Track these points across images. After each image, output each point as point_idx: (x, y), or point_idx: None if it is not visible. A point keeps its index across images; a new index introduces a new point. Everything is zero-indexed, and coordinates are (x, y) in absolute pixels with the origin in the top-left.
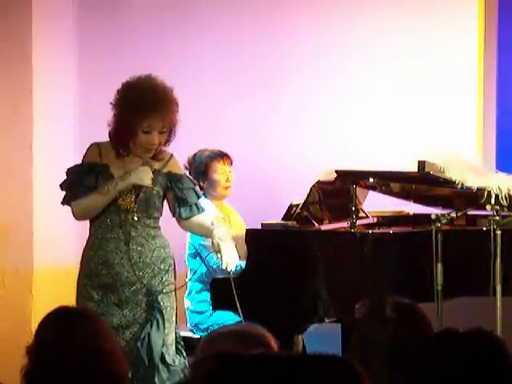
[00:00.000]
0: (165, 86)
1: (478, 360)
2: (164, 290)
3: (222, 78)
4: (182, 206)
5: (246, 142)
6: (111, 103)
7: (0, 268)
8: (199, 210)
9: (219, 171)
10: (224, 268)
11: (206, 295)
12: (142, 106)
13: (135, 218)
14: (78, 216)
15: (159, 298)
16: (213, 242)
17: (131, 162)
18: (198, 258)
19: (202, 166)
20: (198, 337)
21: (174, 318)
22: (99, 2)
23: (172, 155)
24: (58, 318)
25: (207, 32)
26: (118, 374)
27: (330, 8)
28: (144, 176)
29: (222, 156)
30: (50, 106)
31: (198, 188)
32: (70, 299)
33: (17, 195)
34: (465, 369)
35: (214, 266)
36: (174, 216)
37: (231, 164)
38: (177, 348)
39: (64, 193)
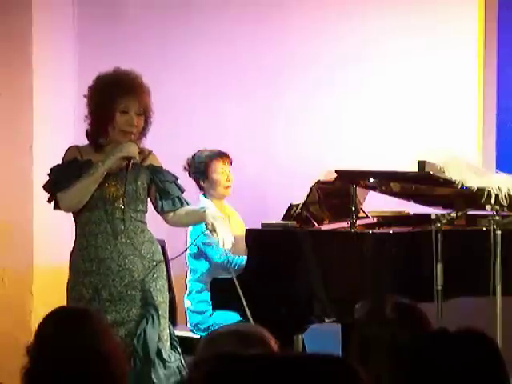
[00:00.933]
0: (135, 73)
1: (469, 360)
2: (157, 286)
3: (222, 79)
4: (164, 198)
5: (246, 142)
6: (85, 96)
7: (0, 268)
8: (182, 203)
9: (219, 171)
10: (221, 246)
11: (206, 295)
12: (118, 88)
13: (121, 206)
14: (67, 205)
15: (153, 294)
16: (206, 223)
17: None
18: (199, 258)
19: (202, 166)
20: (198, 337)
21: (167, 314)
22: (99, 4)
23: (151, 152)
24: (58, 318)
25: (208, 33)
26: (117, 373)
27: (331, 8)
28: (131, 149)
29: (222, 156)
30: (50, 108)
31: (179, 182)
32: None
33: (17, 195)
34: (456, 369)
35: (219, 261)
36: (156, 210)
37: (231, 163)
38: (172, 344)
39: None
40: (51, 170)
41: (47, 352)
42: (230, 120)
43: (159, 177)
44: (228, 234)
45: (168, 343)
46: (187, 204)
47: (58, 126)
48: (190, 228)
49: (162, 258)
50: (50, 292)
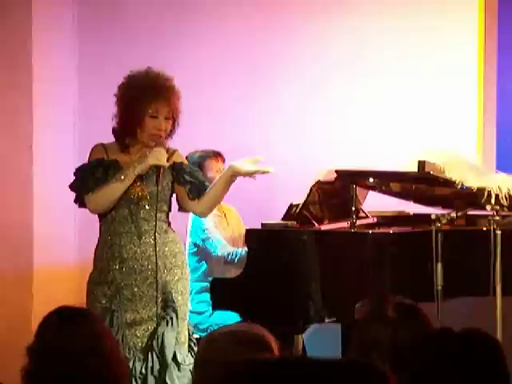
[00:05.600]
0: (167, 75)
1: (473, 361)
2: (179, 288)
3: (223, 78)
4: (196, 185)
5: (246, 142)
6: (115, 95)
7: (0, 268)
8: (207, 188)
9: (213, 169)
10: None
11: (206, 296)
12: (149, 92)
13: (146, 206)
14: (96, 208)
15: (173, 296)
16: (237, 172)
17: (137, 155)
18: (198, 256)
19: (196, 166)
20: (198, 337)
21: (187, 316)
22: (99, 3)
23: (176, 150)
24: (58, 318)
25: (208, 33)
26: (117, 374)
27: (332, 9)
28: (161, 156)
29: (215, 154)
30: (50, 107)
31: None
32: (69, 299)
33: (17, 195)
34: (459, 369)
35: (219, 254)
36: (185, 202)
37: (224, 162)
38: (189, 345)
39: (75, 195)
40: (77, 169)
41: (47, 352)
42: (230, 119)
43: (185, 169)
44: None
45: (186, 345)
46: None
47: (58, 125)
48: (190, 227)
49: (185, 258)
50: (50, 292)
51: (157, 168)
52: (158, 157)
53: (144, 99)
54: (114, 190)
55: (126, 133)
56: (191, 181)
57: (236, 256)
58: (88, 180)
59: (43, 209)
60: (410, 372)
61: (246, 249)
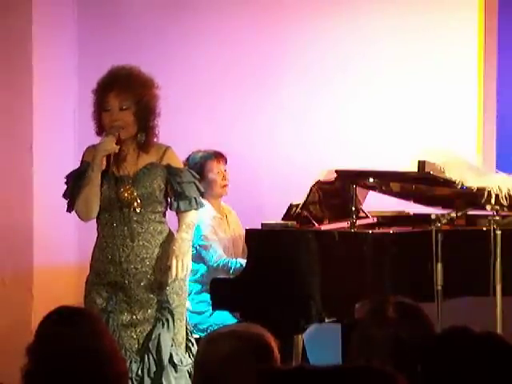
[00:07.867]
0: (131, 68)
1: (485, 363)
2: (174, 289)
3: (223, 79)
4: (181, 199)
5: (245, 141)
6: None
7: (0, 268)
8: (198, 205)
9: (215, 171)
10: (170, 278)
11: (206, 296)
12: (101, 88)
13: (137, 210)
14: (82, 216)
15: (169, 297)
16: (172, 247)
17: (119, 154)
18: (198, 260)
19: (198, 167)
20: (198, 337)
21: (184, 316)
22: (100, 3)
23: (168, 148)
24: (58, 318)
25: (209, 33)
26: (117, 373)
27: (333, 9)
28: (107, 145)
29: (217, 155)
30: (50, 107)
31: (198, 183)
32: (69, 299)
33: (17, 195)
34: (470, 370)
35: (215, 265)
36: (171, 208)
37: (226, 163)
38: (186, 346)
39: (67, 201)
40: (67, 176)
41: (47, 352)
42: (230, 119)
43: (176, 178)
44: (181, 267)
45: (183, 346)
46: (202, 206)
47: (58, 125)
48: None
49: None
50: (49, 292)
51: (112, 156)
52: (105, 147)
53: (97, 97)
54: (85, 195)
55: (100, 135)
56: (177, 195)
57: (230, 269)
58: (74, 186)
59: (43, 209)
60: (412, 372)
61: (241, 261)
